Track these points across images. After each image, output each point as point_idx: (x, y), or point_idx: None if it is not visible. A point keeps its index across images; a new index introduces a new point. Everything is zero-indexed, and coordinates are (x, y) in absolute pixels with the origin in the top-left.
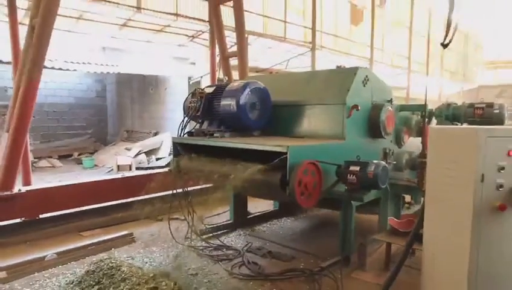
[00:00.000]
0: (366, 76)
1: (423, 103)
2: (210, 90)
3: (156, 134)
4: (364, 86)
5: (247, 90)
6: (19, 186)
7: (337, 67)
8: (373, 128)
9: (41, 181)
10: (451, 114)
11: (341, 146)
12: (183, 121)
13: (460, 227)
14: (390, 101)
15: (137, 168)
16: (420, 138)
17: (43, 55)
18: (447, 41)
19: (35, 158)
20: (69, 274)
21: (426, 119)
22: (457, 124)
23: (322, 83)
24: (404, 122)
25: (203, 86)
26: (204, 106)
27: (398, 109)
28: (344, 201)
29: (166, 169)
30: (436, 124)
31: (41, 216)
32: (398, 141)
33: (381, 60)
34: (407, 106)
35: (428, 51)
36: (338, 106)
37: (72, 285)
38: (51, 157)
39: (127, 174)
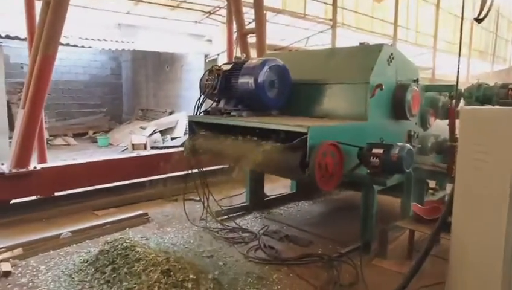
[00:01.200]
0: (391, 54)
1: (451, 84)
2: (227, 67)
3: (171, 113)
4: (389, 64)
5: (266, 67)
6: (34, 164)
7: (361, 44)
8: (397, 109)
9: (56, 159)
10: (482, 95)
11: (363, 127)
12: (199, 99)
13: (494, 218)
14: (417, 80)
15: (152, 148)
16: (447, 121)
17: (59, 30)
18: (481, 16)
19: (50, 136)
20: (84, 253)
21: (455, 101)
22: (488, 106)
23: (344, 61)
24: (431, 103)
25: (219, 63)
26: (221, 84)
27: (424, 90)
28: (366, 185)
29: (181, 148)
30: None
31: (56, 194)
32: (424, 123)
33: (405, 39)
34: (434, 86)
35: (462, 28)
36: (361, 84)
37: (86, 264)
38: (66, 135)
39: (142, 153)
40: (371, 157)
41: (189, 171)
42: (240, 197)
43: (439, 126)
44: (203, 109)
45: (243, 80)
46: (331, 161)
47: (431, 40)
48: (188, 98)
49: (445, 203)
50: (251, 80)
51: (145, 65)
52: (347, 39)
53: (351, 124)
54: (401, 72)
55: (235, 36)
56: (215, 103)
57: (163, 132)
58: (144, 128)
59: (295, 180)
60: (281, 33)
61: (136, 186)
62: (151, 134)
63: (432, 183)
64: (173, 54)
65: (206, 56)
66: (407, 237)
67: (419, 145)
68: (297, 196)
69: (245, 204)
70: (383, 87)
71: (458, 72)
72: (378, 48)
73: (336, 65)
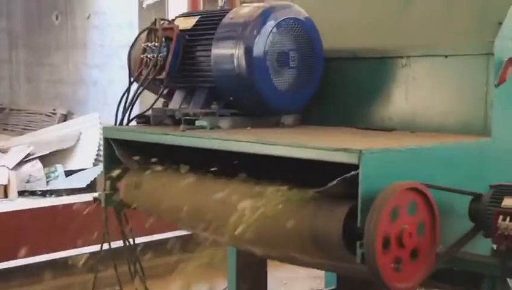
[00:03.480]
0: None
1: None
2: (188, 23)
3: (65, 117)
4: None
5: (271, 24)
6: None
7: None
8: None
9: None
10: None
11: (482, 151)
12: (127, 90)
13: None
14: None
15: (22, 193)
16: None
17: None
18: None
19: None
20: None
21: None
22: None
23: (440, 7)
24: None
25: (171, 13)
26: (175, 59)
27: None
28: (490, 277)
29: (90, 195)
30: None
31: None
32: None
33: None
34: None
35: None
36: (476, 58)
37: None
38: None
39: None
40: (501, 218)
41: (106, 246)
42: None
43: None
44: (136, 111)
45: (220, 50)
46: (411, 227)
47: None
48: (103, 84)
49: None
50: (238, 52)
51: (8, 12)
52: None
53: (454, 144)
54: None
55: None
56: (162, 99)
57: (47, 159)
58: (4, 152)
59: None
60: None
61: None
62: (21, 163)
63: None
64: None
65: None
66: None
67: None
68: None
69: None
70: None
71: None
72: None
73: (422, 16)
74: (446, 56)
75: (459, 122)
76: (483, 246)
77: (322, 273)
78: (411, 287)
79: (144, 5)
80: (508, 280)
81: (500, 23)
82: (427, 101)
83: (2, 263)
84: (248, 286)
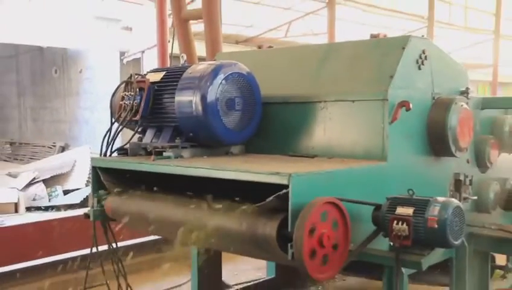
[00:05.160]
0: (423, 51)
1: None
2: (157, 77)
3: (63, 149)
4: (419, 68)
5: (221, 77)
6: None
7: (373, 36)
8: (435, 140)
9: None
10: None
11: (380, 172)
12: (110, 129)
13: None
14: (466, 92)
15: (29, 209)
16: None
17: None
18: None
19: None
20: None
21: None
22: None
23: (347, 65)
24: (491, 128)
25: (144, 68)
26: (146, 105)
27: (479, 106)
28: (388, 267)
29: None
30: None
31: None
32: (481, 161)
33: (448, 21)
34: (495, 100)
35: None
36: (375, 102)
37: None
38: None
39: (10, 220)
40: (395, 222)
41: (95, 249)
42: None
43: (506, 165)
44: (118, 145)
45: (182, 98)
46: (329, 231)
47: (490, 21)
48: (93, 123)
49: None
50: (196, 99)
51: (17, 68)
52: (352, 26)
53: (360, 167)
54: (440, 79)
55: (170, 23)
56: (137, 136)
57: (49, 182)
58: (14, 176)
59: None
60: (247, 16)
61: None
62: (28, 185)
63: (500, 259)
64: (66, 50)
65: (122, 54)
66: None
67: (475, 197)
68: (277, 283)
69: None
70: (411, 106)
71: None
72: (402, 42)
73: (334, 72)
74: (353, 101)
75: (364, 150)
76: (383, 244)
77: (265, 266)
78: (329, 277)
79: (124, 62)
80: (402, 268)
81: (392, 77)
82: (340, 135)
83: (11, 265)
84: (207, 278)
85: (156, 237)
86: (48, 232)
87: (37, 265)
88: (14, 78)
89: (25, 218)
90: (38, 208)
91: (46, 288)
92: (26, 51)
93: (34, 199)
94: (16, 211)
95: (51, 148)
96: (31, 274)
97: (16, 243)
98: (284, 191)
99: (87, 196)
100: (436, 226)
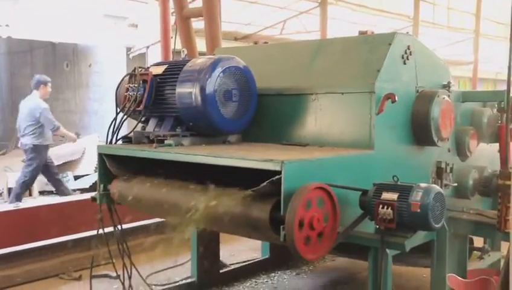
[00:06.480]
0: (408, 47)
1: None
2: (159, 70)
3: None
4: (404, 62)
5: (218, 70)
6: None
7: (361, 33)
8: (419, 130)
9: None
10: None
11: (368, 159)
12: (115, 118)
13: None
14: (448, 86)
15: (41, 193)
16: (497, 145)
17: None
18: None
19: None
20: None
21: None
22: None
23: (337, 59)
24: (471, 119)
25: (149, 62)
26: (149, 96)
27: (460, 99)
28: (373, 248)
29: (90, 194)
30: None
31: None
32: (461, 150)
33: (432, 20)
34: (475, 94)
35: None
36: (362, 95)
37: None
38: None
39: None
40: (380, 207)
41: (102, 231)
42: (182, 268)
43: (484, 154)
44: (122, 133)
45: (182, 89)
46: (319, 214)
47: (471, 21)
48: (101, 113)
49: (501, 273)
50: (196, 90)
51: (32, 62)
52: (342, 24)
53: (348, 155)
54: (423, 74)
55: (173, 20)
56: (140, 125)
57: (61, 167)
58: None
59: (265, 241)
60: (245, 15)
61: (13, 257)
62: None
63: (477, 242)
64: (76, 45)
65: (129, 50)
66: None
67: (455, 184)
68: (271, 263)
69: (190, 280)
70: (396, 98)
71: (510, 72)
72: (388, 38)
73: (325, 66)
74: (343, 93)
75: (352, 139)
76: (369, 227)
77: (260, 247)
78: (319, 257)
79: (130, 57)
80: (387, 250)
81: (378, 71)
82: (330, 125)
83: (26, 245)
84: (206, 258)
85: (158, 219)
86: (60, 214)
87: (49, 244)
88: (29, 71)
89: (38, 201)
90: (50, 192)
91: (58, 265)
92: (39, 46)
93: (47, 184)
94: (30, 194)
95: (63, 136)
96: (46, 252)
97: (29, 224)
98: (277, 177)
99: (95, 181)
100: (419, 210)
